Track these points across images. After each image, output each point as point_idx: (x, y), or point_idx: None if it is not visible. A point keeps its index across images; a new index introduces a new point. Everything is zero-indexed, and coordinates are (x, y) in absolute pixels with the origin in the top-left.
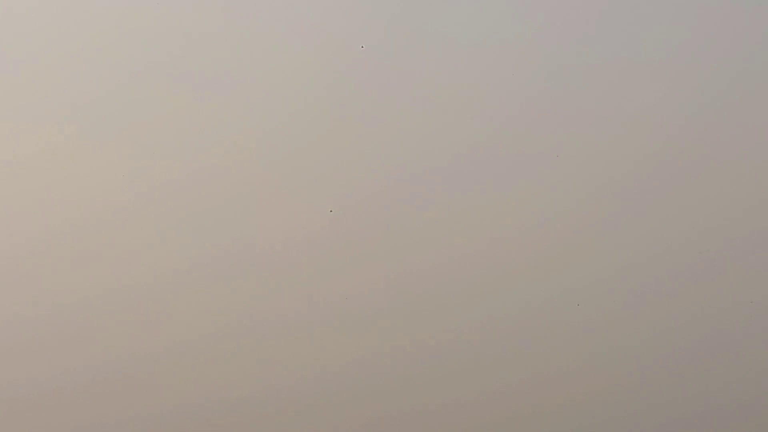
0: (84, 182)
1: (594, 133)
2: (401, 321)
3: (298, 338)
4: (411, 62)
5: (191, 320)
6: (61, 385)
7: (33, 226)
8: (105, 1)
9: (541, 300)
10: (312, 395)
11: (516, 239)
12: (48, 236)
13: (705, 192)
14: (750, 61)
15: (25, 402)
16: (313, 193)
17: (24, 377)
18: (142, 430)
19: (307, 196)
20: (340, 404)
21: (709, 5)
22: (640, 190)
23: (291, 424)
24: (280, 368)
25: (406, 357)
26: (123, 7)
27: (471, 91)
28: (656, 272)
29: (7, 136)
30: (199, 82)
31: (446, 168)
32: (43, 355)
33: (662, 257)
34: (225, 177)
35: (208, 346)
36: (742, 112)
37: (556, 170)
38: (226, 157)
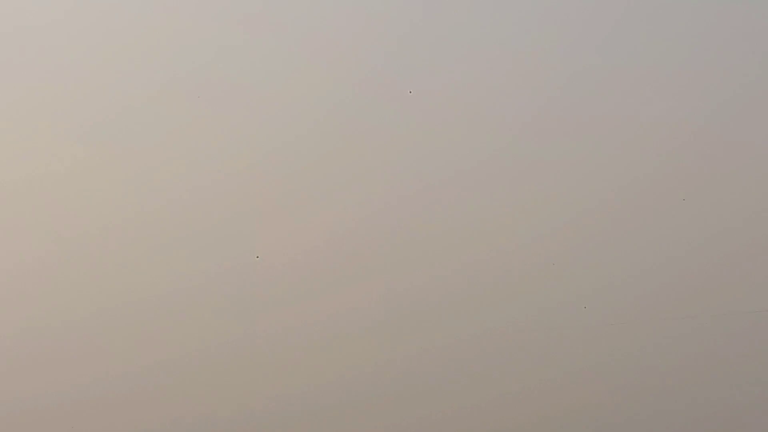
0: (105, 194)
1: (602, 140)
2: (409, 328)
3: (307, 348)
4: (417, 72)
5: (204, 330)
6: (73, 398)
7: (43, 240)
8: (129, 19)
9: (548, 303)
10: (318, 405)
11: (525, 244)
12: (67, 249)
13: (714, 198)
14: (761, 68)
15: (33, 415)
16: (323, 207)
17: (32, 390)
18: None
19: (316, 210)
20: (344, 414)
21: (721, 14)
22: (648, 196)
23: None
24: (286, 379)
25: (415, 363)
26: (150, 26)
27: (480, 101)
28: (664, 276)
29: (17, 155)
30: (214, 99)
31: (450, 174)
32: (57, 365)
33: (669, 262)
34: (237, 191)
35: (217, 357)
36: (754, 120)
37: (563, 176)
38: (235, 173)
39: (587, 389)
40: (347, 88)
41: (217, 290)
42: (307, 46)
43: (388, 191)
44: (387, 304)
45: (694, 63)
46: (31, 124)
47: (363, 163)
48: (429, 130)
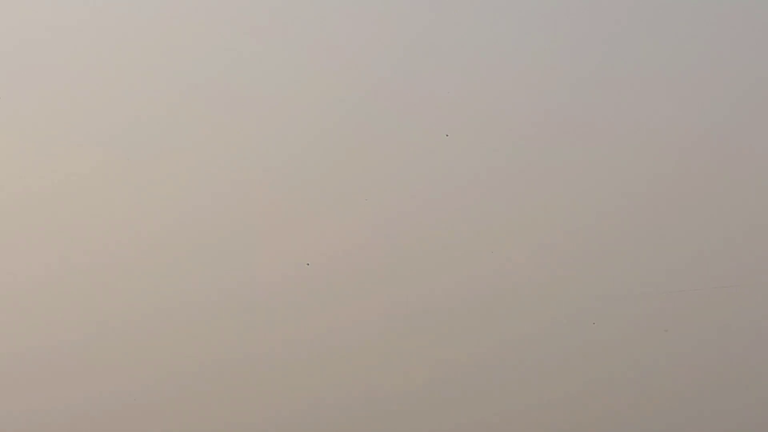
0: (124, 203)
1: (612, 149)
2: (415, 343)
3: (314, 361)
4: (424, 81)
5: (215, 343)
6: (81, 412)
7: (54, 251)
8: (145, 26)
9: (556, 319)
10: (321, 421)
11: (533, 257)
12: (74, 261)
13: (727, 207)
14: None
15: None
16: (328, 220)
17: (43, 401)
18: None
19: (321, 222)
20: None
21: (735, 15)
22: (658, 205)
23: None
24: (292, 391)
25: (421, 379)
26: (167, 32)
27: (493, 106)
28: (673, 288)
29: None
30: (223, 111)
31: (457, 187)
32: (62, 380)
33: (679, 273)
34: (241, 204)
35: (225, 371)
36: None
37: (571, 186)
38: (240, 184)
39: (596, 403)
40: (358, 96)
41: (268, 297)
42: (340, 47)
43: (414, 197)
44: (391, 319)
45: (708, 66)
46: (48, 129)
47: (367, 176)
48: (433, 141)
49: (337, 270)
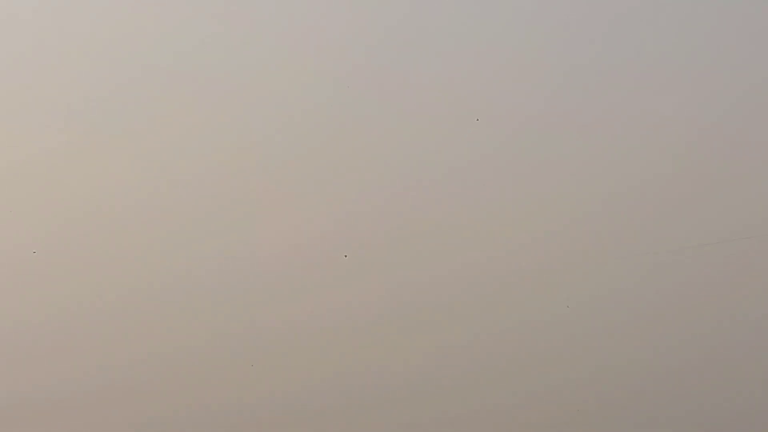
0: (88, 185)
1: (605, 140)
2: (402, 331)
3: (302, 346)
4: (418, 67)
5: (196, 326)
6: (64, 392)
7: (32, 230)
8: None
9: (548, 306)
10: (314, 404)
11: (526, 244)
12: (50, 240)
13: (726, 201)
14: None
15: (26, 408)
16: (320, 199)
17: (24, 384)
18: None
19: (314, 201)
20: (339, 414)
21: (733, 10)
22: (655, 199)
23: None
24: (283, 376)
25: (409, 366)
26: (134, 13)
27: (482, 96)
28: (672, 280)
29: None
30: (204, 85)
31: (448, 176)
32: (46, 360)
33: (668, 266)
34: (228, 181)
35: (211, 352)
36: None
37: (566, 177)
38: (229, 161)
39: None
40: (338, 78)
41: (212, 285)
42: (316, 34)
43: (383, 195)
44: (381, 304)
45: (708, 56)
46: (7, 111)
47: (360, 158)
48: (427, 126)
49: (334, 257)
